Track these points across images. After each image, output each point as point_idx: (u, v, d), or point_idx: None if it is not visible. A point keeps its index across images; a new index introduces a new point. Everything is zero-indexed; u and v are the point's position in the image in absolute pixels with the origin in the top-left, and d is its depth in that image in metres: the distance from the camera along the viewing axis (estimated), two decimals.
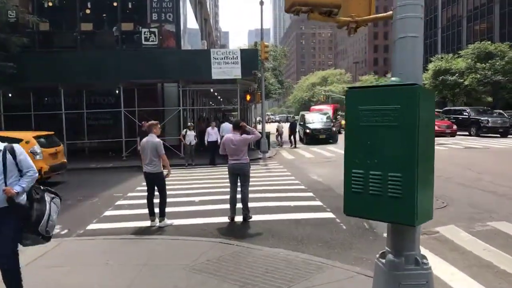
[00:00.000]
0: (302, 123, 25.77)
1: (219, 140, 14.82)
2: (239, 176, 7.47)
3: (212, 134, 15.79)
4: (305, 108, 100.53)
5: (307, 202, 8.68)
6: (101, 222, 7.58)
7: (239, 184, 7.51)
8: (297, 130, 25.63)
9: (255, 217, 7.43)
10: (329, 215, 7.63)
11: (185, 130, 16.14)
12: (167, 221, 7.30)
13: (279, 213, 7.85)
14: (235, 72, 17.68)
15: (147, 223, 7.35)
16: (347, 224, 6.97)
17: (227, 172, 7.59)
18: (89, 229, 7.17)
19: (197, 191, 10.38)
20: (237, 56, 17.70)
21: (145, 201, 7.50)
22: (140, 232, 6.97)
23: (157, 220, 7.29)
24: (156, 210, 7.32)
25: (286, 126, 25.01)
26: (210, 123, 17.84)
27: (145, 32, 20.53)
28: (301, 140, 26.87)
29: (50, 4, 21.62)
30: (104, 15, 21.99)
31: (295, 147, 22.39)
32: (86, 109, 20.00)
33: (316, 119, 25.69)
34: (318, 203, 8.59)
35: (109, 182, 12.37)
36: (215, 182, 11.64)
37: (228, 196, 7.60)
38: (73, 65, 17.27)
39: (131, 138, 20.09)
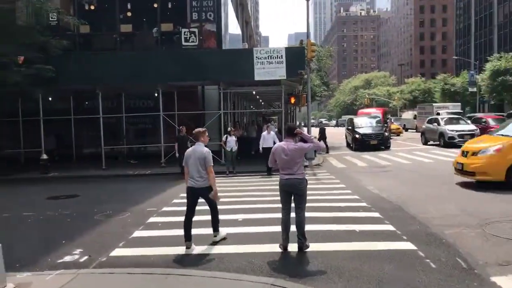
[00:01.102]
0: (350, 127, 23.92)
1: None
2: (292, 195, 6.02)
3: (268, 139, 14.41)
4: (347, 112, 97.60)
5: (375, 226, 7.07)
6: (128, 246, 6.38)
7: (293, 204, 6.07)
8: (344, 135, 23.95)
9: (312, 246, 5.95)
10: (408, 245, 6.00)
11: (226, 135, 14.95)
12: (222, 233, 6.55)
13: (341, 240, 6.33)
14: (280, 72, 16.29)
15: (182, 249, 6.08)
16: (436, 261, 5.34)
17: (278, 188, 6.17)
18: (113, 255, 5.97)
19: (239, 206, 9.03)
20: (281, 55, 16.31)
21: (181, 218, 6.35)
22: (176, 261, 5.69)
23: (193, 246, 6.16)
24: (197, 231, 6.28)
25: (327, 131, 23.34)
26: (264, 126, 16.52)
27: (185, 32, 19.59)
28: (348, 146, 25.07)
29: (92, 7, 21.36)
30: (144, 16, 21.32)
31: (327, 152, 21.08)
32: (125, 113, 19.34)
33: (365, 123, 23.75)
34: (389, 227, 6.97)
35: (144, 192, 11.31)
36: (261, 195, 10.26)
37: (277, 215, 6.19)
38: (111, 67, 16.57)
39: (170, 144, 19.22)
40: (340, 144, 27.64)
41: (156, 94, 17.79)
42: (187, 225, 6.19)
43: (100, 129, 17.09)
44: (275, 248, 6.02)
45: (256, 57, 16.25)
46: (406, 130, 39.34)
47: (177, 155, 14.65)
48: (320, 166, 16.55)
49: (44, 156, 16.42)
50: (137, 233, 7.05)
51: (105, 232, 7.21)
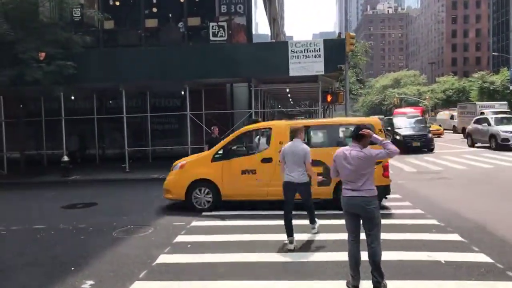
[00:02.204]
0: (389, 128, 22.12)
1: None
2: (360, 218, 4.60)
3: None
4: (373, 112, 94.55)
5: (463, 255, 5.49)
6: (150, 279, 5.05)
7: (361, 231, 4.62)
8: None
9: (391, 286, 4.47)
10: None
11: (257, 137, 13.50)
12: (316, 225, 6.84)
13: (427, 277, 4.80)
14: (317, 67, 14.79)
15: (221, 284, 4.72)
16: None
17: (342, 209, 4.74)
18: None
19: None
20: (319, 48, 14.81)
21: (214, 238, 6.14)
22: None
23: (295, 242, 6.06)
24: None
25: None
26: None
27: (213, 26, 18.35)
28: None
29: (117, 2, 20.43)
30: (170, 10, 20.19)
31: None
32: (150, 113, 18.28)
33: (406, 123, 21.88)
34: (483, 257, 5.38)
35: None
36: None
37: (339, 238, 4.76)
38: (134, 63, 15.45)
39: (197, 145, 18.02)
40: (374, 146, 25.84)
41: (182, 92, 16.57)
42: (289, 220, 6.10)
43: (124, 129, 16.00)
44: (342, 286, 4.58)
45: (291, 50, 14.80)
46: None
47: None
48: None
49: (65, 158, 15.49)
50: (162, 258, 5.73)
51: (123, 255, 5.92)
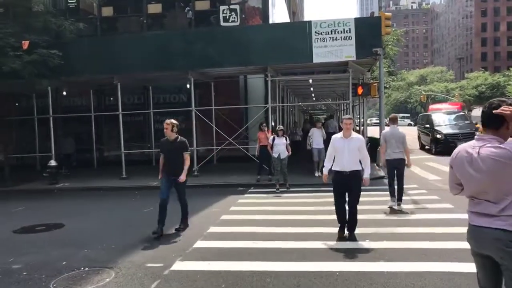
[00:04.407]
0: (427, 125, 19.25)
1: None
2: (500, 265, 2.49)
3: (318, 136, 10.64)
4: (398, 110, 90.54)
5: None
6: None
7: None
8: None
9: None
10: None
11: (273, 136, 11.04)
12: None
13: None
14: (347, 51, 12.18)
15: None
16: None
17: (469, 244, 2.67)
18: None
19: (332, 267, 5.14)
20: (349, 29, 12.19)
21: None
22: None
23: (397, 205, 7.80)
24: None
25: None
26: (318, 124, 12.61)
27: (224, 10, 15.91)
28: (423, 148, 20.39)
29: None
30: None
31: None
32: (152, 109, 16.03)
33: (447, 120, 18.98)
34: None
35: (170, 218, 7.68)
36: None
37: None
38: (131, 52, 13.21)
39: (204, 147, 15.69)
40: (408, 145, 22.96)
41: (188, 86, 14.21)
42: (393, 188, 7.93)
43: (120, 128, 13.77)
44: None
45: (316, 32, 12.23)
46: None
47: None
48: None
49: (52, 163, 13.38)
50: None
51: None
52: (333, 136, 6.13)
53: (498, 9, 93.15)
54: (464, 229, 6.26)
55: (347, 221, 6.03)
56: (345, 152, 5.81)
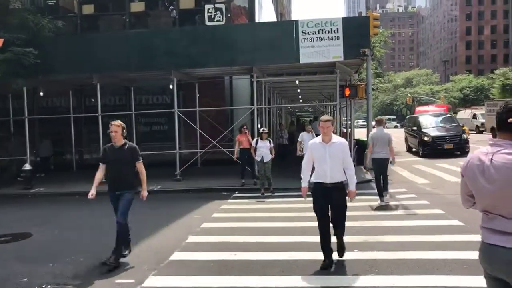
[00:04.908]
0: (415, 128, 19.09)
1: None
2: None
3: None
4: (384, 112, 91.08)
5: None
6: None
7: None
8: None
9: None
10: None
11: (256, 139, 10.65)
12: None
13: None
14: (334, 52, 11.87)
15: None
16: None
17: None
18: None
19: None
20: (337, 29, 11.89)
21: None
22: None
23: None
24: None
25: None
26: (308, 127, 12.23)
27: (209, 9, 15.45)
28: (410, 151, 20.23)
29: None
30: None
31: None
32: (134, 110, 15.50)
33: (434, 122, 18.84)
34: None
35: (136, 226, 7.22)
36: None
37: None
38: (111, 51, 12.69)
39: (188, 150, 15.24)
40: (395, 148, 22.79)
41: (171, 86, 13.72)
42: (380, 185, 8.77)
43: (99, 130, 13.22)
44: None
45: (303, 31, 11.90)
46: None
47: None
48: (389, 180, 11.92)
49: (27, 167, 12.76)
50: None
51: None
52: (311, 142, 5.19)
53: (482, 13, 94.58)
54: (455, 237, 6.05)
55: (337, 248, 5.11)
56: (326, 159, 4.87)
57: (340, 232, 5.08)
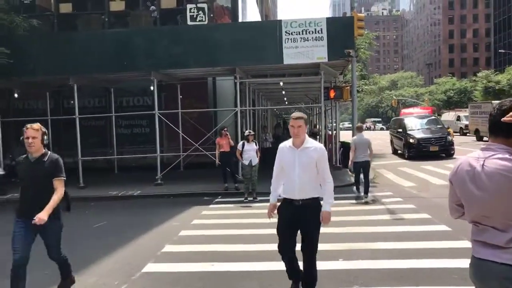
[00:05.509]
0: (400, 130, 19.02)
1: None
2: None
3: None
4: (370, 115, 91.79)
5: None
6: None
7: None
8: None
9: None
10: None
11: (242, 142, 10.32)
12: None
13: None
14: (319, 52, 11.64)
15: None
16: None
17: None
18: None
19: None
20: (321, 29, 11.66)
21: None
22: None
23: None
24: None
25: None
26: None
27: (191, 9, 15.06)
28: (395, 153, 20.20)
29: None
30: None
31: None
32: (115, 112, 15.02)
33: (420, 125, 18.81)
34: None
35: (106, 236, 6.83)
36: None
37: None
38: (88, 51, 12.22)
39: (171, 153, 14.84)
40: (380, 150, 22.81)
41: (152, 88, 13.29)
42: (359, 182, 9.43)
43: (77, 133, 12.72)
44: None
45: (286, 32, 11.64)
46: None
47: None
48: (375, 184, 11.76)
49: (1, 171, 12.22)
50: None
51: None
52: (280, 145, 4.09)
53: (464, 17, 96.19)
54: (442, 243, 5.82)
55: (302, 279, 4.06)
56: (295, 169, 3.82)
57: (308, 265, 3.93)
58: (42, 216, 3.76)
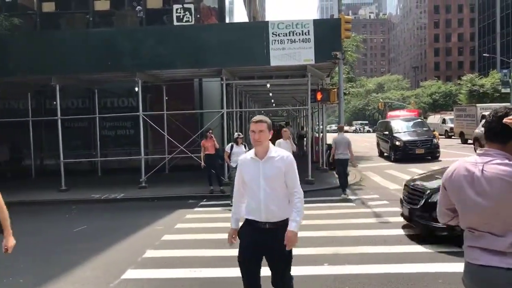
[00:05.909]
0: (386, 132, 19.08)
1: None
2: None
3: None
4: (356, 117, 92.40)
5: None
6: None
7: None
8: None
9: None
10: None
11: (230, 144, 10.15)
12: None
13: None
14: (306, 55, 11.57)
15: None
16: None
17: None
18: None
19: None
20: (308, 31, 11.59)
21: None
22: None
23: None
24: None
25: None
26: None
27: (177, 9, 14.90)
28: (381, 155, 20.27)
29: None
30: None
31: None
32: (99, 114, 14.73)
33: (406, 127, 18.90)
34: None
35: (101, 238, 6.61)
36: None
37: None
38: (71, 50, 11.96)
39: (156, 155, 14.62)
40: (366, 153, 22.90)
41: (136, 89, 13.05)
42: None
43: (59, 134, 12.41)
44: None
45: (273, 33, 11.55)
46: None
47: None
48: (361, 186, 11.74)
49: None
50: None
51: None
52: (241, 157, 3.38)
53: (449, 21, 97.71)
54: (427, 247, 5.77)
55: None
56: (259, 184, 3.09)
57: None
58: (9, 243, 3.13)
